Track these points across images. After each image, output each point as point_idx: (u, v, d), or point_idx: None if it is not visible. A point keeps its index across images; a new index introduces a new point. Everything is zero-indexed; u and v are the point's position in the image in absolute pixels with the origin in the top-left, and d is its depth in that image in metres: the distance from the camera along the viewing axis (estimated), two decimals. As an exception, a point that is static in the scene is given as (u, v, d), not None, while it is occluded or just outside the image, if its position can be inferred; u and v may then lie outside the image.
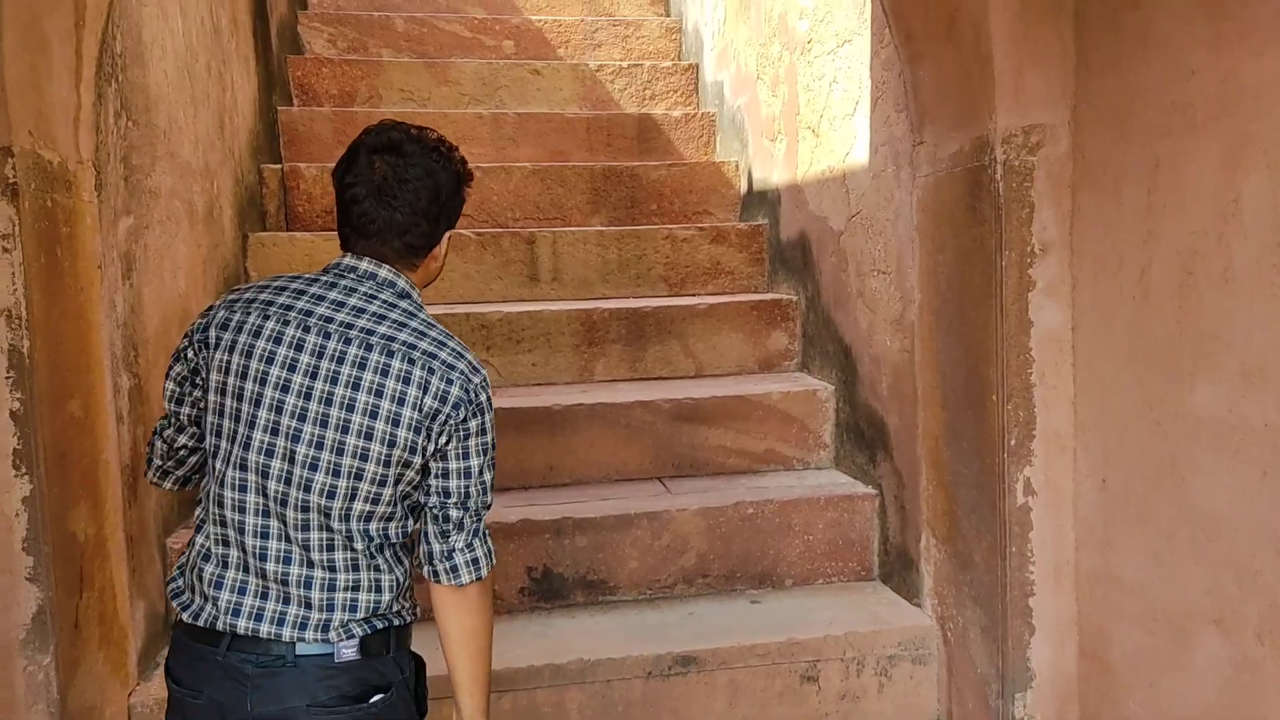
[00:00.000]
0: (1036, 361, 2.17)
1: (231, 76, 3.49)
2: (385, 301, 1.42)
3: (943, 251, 2.38)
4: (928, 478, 2.53)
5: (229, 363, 1.40)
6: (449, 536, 1.42)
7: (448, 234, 1.50)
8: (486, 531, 1.46)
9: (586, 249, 3.64)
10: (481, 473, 1.42)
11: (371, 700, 1.41)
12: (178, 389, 1.50)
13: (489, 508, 1.46)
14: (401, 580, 1.46)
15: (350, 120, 4.21)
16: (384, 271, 1.44)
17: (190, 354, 1.46)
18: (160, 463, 1.56)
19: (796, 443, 3.08)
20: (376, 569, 1.42)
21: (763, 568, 2.75)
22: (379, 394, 1.36)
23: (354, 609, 1.40)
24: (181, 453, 1.55)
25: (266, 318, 1.40)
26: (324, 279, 1.44)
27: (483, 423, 1.41)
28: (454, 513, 1.42)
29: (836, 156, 3.02)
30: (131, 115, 2.47)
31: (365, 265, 1.44)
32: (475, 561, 1.43)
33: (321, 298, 1.41)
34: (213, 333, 1.42)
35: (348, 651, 1.39)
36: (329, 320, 1.39)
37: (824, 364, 3.20)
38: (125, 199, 2.41)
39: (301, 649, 1.38)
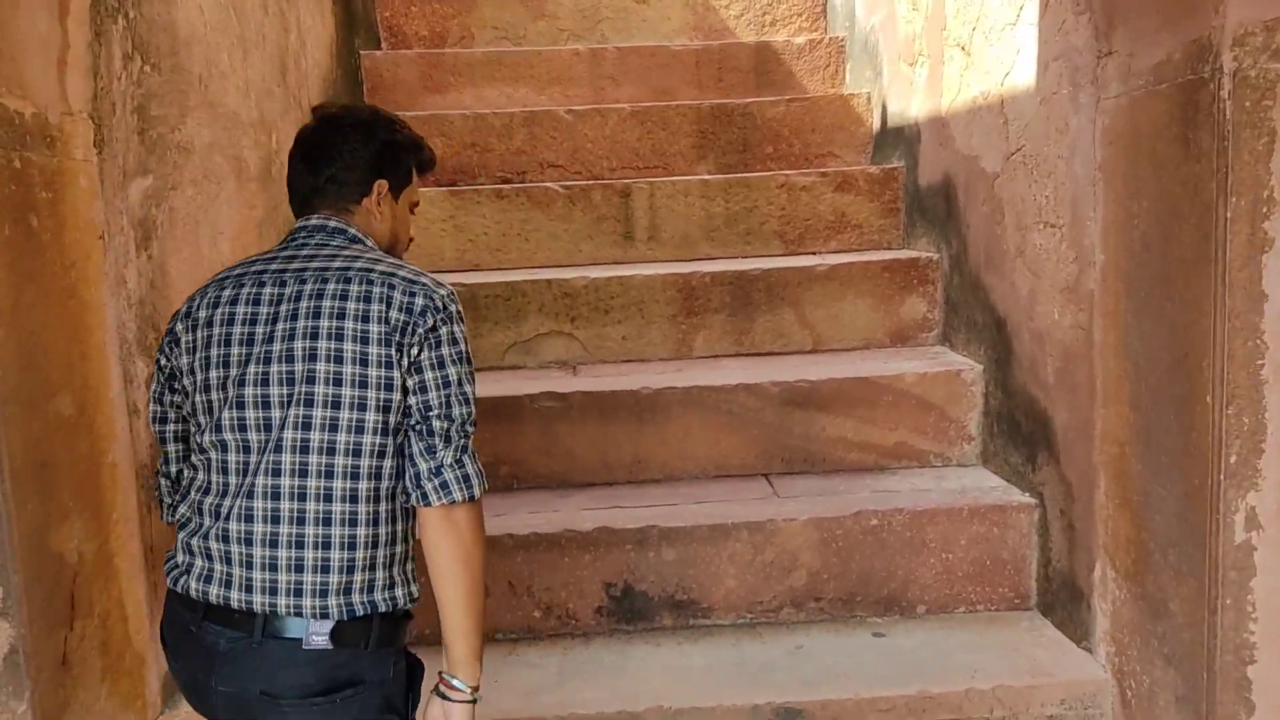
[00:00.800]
0: (1270, 350, 1.58)
1: (298, 15, 3.15)
2: (338, 246, 1.45)
3: (1138, 198, 1.78)
4: (1107, 493, 1.96)
5: (196, 340, 1.42)
6: (435, 452, 1.35)
7: (382, 181, 1.51)
8: (475, 451, 1.38)
9: (689, 201, 3.15)
10: (461, 383, 1.37)
11: (330, 696, 1.33)
12: (160, 408, 1.50)
13: (474, 424, 1.39)
14: (387, 539, 1.37)
15: (437, 63, 3.83)
16: (332, 222, 1.48)
17: (164, 361, 1.46)
18: (172, 501, 1.52)
19: (934, 435, 2.53)
20: (353, 522, 1.33)
21: (889, 591, 2.25)
22: (342, 316, 1.35)
23: (325, 570, 1.32)
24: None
25: (223, 289, 1.43)
26: (281, 247, 1.48)
27: (453, 331, 1.38)
28: (437, 424, 1.35)
29: (993, 78, 2.41)
30: (150, 58, 2.13)
31: (314, 220, 1.49)
32: (466, 479, 1.35)
33: (275, 258, 1.45)
34: (179, 327, 1.45)
35: (318, 638, 1.32)
36: (284, 270, 1.42)
37: (970, 338, 2.63)
38: (141, 156, 2.08)
39: (272, 627, 1.32)
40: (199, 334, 1.41)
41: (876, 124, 3.43)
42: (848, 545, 2.23)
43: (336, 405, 1.33)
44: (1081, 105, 1.97)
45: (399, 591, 1.38)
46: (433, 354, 1.35)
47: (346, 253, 1.42)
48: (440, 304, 1.36)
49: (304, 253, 1.43)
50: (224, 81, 2.50)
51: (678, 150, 3.49)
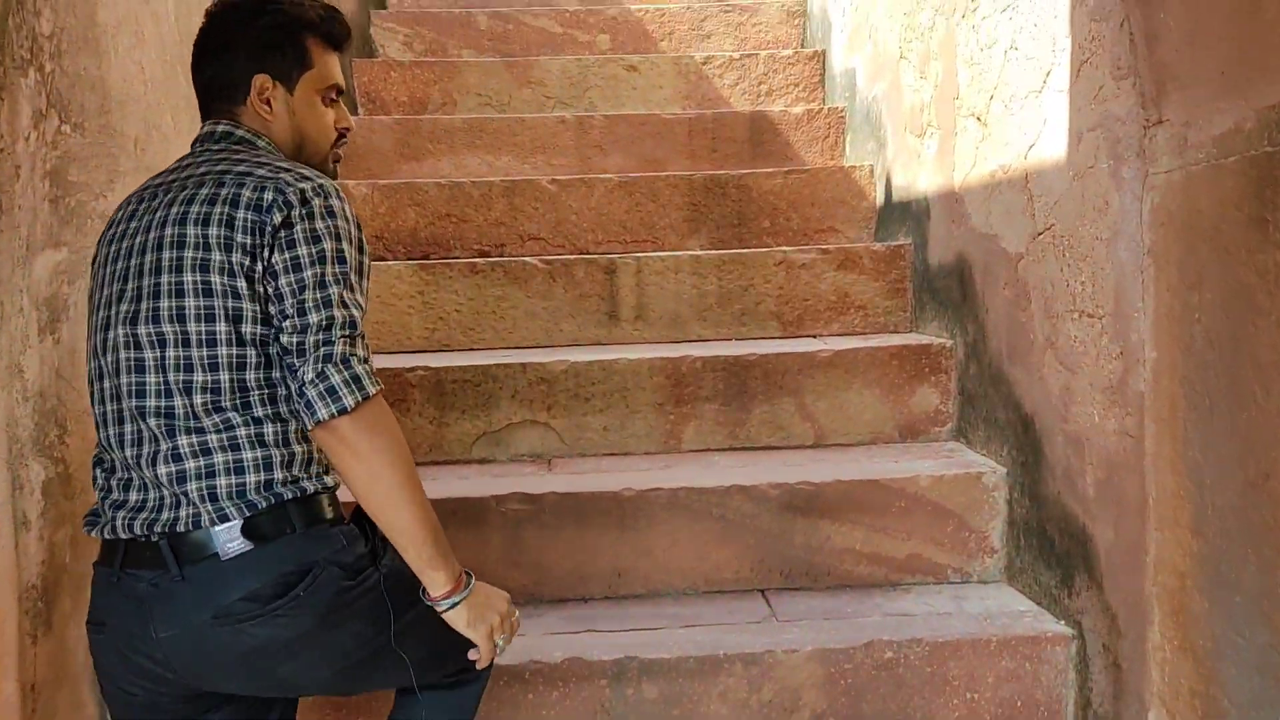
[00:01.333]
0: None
1: (260, 77, 2.93)
2: (221, 152, 1.36)
3: (1199, 288, 1.53)
4: (1164, 632, 1.67)
5: (95, 269, 1.41)
6: (295, 370, 1.23)
7: (261, 77, 1.38)
8: (353, 355, 1.23)
9: (679, 279, 2.90)
10: (323, 285, 1.24)
11: (291, 594, 1.24)
12: None
13: (352, 329, 1.24)
14: (276, 440, 1.27)
15: (415, 130, 3.62)
16: (220, 126, 1.40)
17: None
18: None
19: (953, 546, 2.24)
20: (229, 427, 1.26)
21: (907, 735, 1.93)
22: (183, 221, 1.28)
23: (210, 475, 1.25)
24: None
25: (124, 208, 1.39)
26: (177, 161, 1.42)
27: (313, 228, 1.25)
28: (288, 338, 1.24)
29: (1014, 151, 2.18)
30: (72, 117, 1.88)
31: (205, 127, 1.42)
32: (331, 391, 1.21)
33: (169, 171, 1.40)
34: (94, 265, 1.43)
35: (232, 544, 1.24)
36: (163, 184, 1.37)
37: (991, 435, 2.35)
38: (53, 227, 1.82)
39: (182, 552, 1.24)
40: (99, 253, 1.40)
41: (880, 198, 3.21)
42: (858, 682, 1.92)
43: (182, 319, 1.26)
44: (1125, 181, 1.73)
45: (306, 484, 1.29)
46: (284, 255, 1.25)
47: (223, 155, 1.34)
48: (295, 198, 1.25)
49: (187, 162, 1.38)
50: (165, 145, 2.25)
51: (668, 224, 3.26)
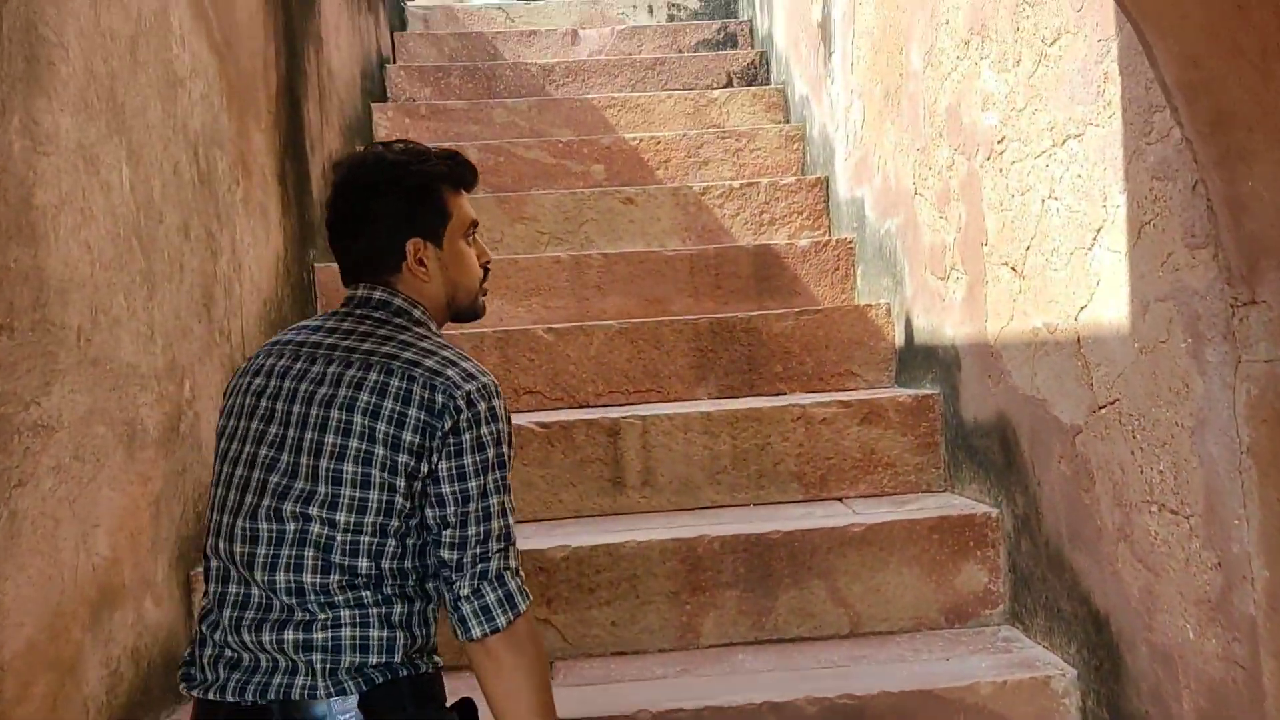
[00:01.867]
0: None
1: (233, 235, 2.73)
2: (379, 321, 1.39)
3: (1327, 508, 1.28)
4: None
5: (232, 406, 1.41)
6: (452, 583, 1.28)
7: (414, 241, 1.40)
8: (506, 570, 1.28)
9: (689, 439, 2.65)
10: (484, 495, 1.28)
11: None
12: None
13: (506, 540, 1.29)
14: (402, 621, 1.28)
15: (401, 272, 3.42)
16: (377, 293, 1.42)
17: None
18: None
19: (1023, 764, 1.94)
20: (362, 607, 1.26)
21: None
22: (352, 409, 1.29)
23: (336, 650, 1.25)
24: None
25: (269, 357, 1.41)
26: (329, 315, 1.44)
27: (479, 435, 1.28)
28: (448, 550, 1.28)
29: (1062, 310, 1.96)
30: None
31: (361, 291, 1.43)
32: (486, 610, 1.26)
33: (321, 328, 1.42)
34: (227, 401, 1.44)
35: (345, 717, 1.25)
36: (323, 346, 1.37)
37: (1054, 627, 2.07)
38: (-28, 446, 1.58)
39: (287, 714, 1.25)
40: (235, 401, 1.40)
41: (900, 339, 2.99)
42: None
43: (335, 506, 1.28)
44: (1209, 365, 1.50)
45: (420, 662, 1.31)
46: (451, 463, 1.27)
47: (383, 332, 1.36)
48: (463, 401, 1.27)
49: (345, 326, 1.39)
50: (116, 330, 2.03)
51: (673, 371, 3.03)
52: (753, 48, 5.42)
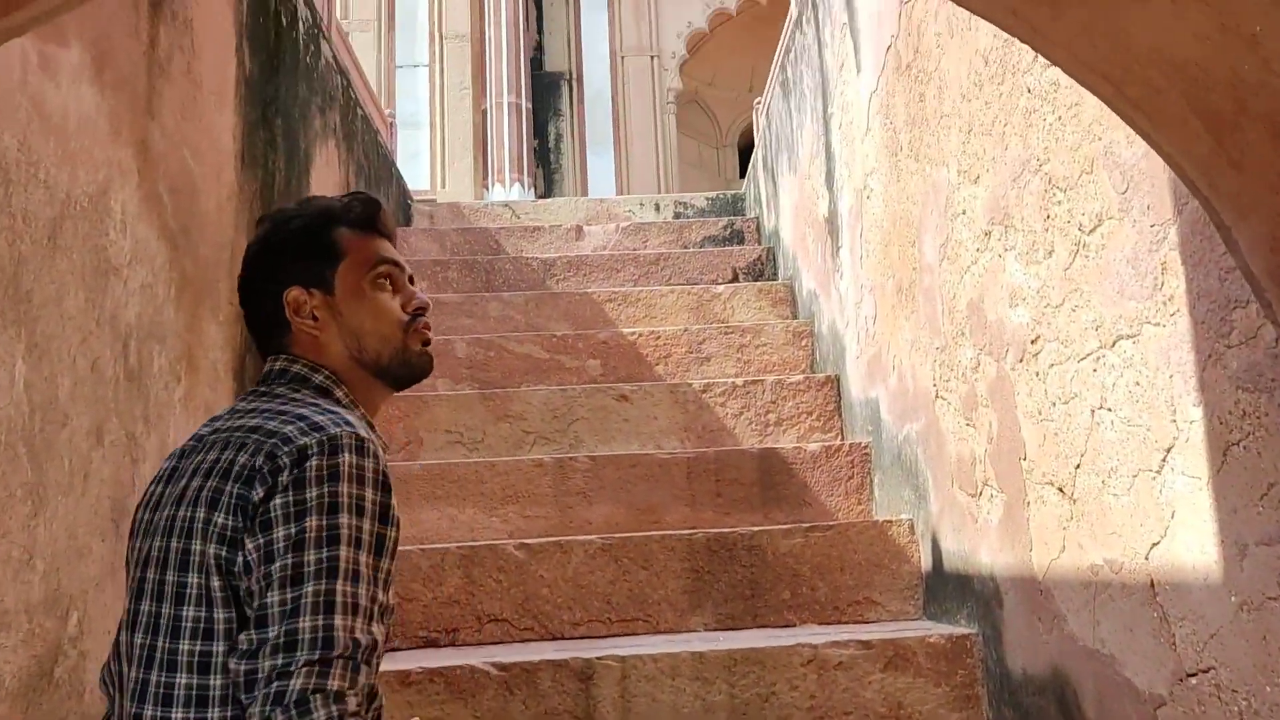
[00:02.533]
0: None
1: (163, 438, 2.43)
2: (279, 393, 1.12)
3: None
4: None
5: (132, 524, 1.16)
6: (254, 686, 0.91)
7: (292, 291, 1.15)
8: (315, 694, 0.88)
9: (677, 687, 2.21)
10: (296, 582, 0.92)
11: None
12: None
13: (325, 648, 0.90)
14: None
15: (368, 475, 3.09)
16: (278, 363, 1.17)
17: None
18: None
19: None
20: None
21: None
22: (192, 502, 1.02)
23: None
24: None
25: (171, 459, 1.14)
26: (247, 393, 1.18)
27: (299, 500, 0.95)
28: (237, 661, 0.92)
29: (1127, 546, 1.58)
30: None
31: (265, 365, 1.18)
32: None
33: (229, 412, 1.15)
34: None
35: None
36: (214, 433, 1.09)
37: None
38: None
39: None
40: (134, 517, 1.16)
41: (926, 562, 2.59)
42: None
43: (159, 630, 0.99)
44: (1351, 639, 1.11)
45: None
46: (259, 540, 0.95)
47: (268, 405, 1.09)
48: (289, 459, 0.97)
49: (246, 405, 1.13)
50: (-20, 553, 1.69)
51: (663, 597, 2.62)
52: (759, 244, 5.30)
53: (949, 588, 2.43)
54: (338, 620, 0.92)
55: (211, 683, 0.95)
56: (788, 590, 2.60)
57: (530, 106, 10.79)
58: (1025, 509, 1.98)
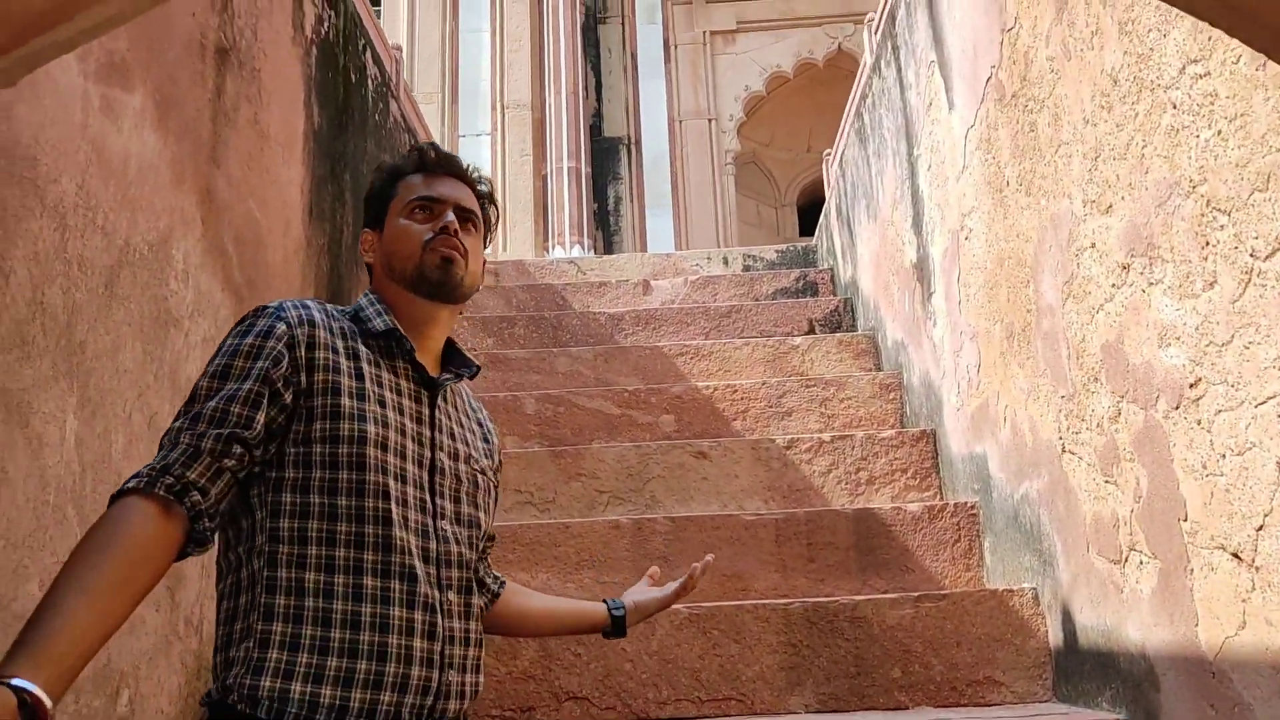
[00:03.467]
0: None
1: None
2: None
3: None
4: None
5: None
6: None
7: (361, 236, 1.42)
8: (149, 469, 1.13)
9: (782, 779, 1.97)
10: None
11: None
12: None
13: (168, 437, 1.17)
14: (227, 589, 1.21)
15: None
16: None
17: None
18: None
19: None
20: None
21: None
22: None
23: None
24: None
25: None
26: None
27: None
28: None
29: (1344, 627, 1.32)
30: None
31: None
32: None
33: None
34: None
35: None
36: None
37: None
38: None
39: None
40: None
41: (1056, 637, 2.31)
42: None
43: None
44: None
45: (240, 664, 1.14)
46: None
47: None
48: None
49: None
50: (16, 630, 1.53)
51: (758, 674, 2.38)
52: (835, 295, 5.10)
53: (1086, 666, 2.15)
54: (178, 425, 1.19)
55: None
56: (898, 668, 2.33)
57: (590, 171, 10.82)
58: (1188, 577, 1.71)
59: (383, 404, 1.24)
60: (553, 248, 9.95)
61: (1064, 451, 2.19)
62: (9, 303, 1.54)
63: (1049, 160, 2.25)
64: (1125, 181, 1.89)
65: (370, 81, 3.84)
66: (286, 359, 1.21)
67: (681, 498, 3.28)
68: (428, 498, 1.25)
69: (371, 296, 1.36)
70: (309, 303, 1.29)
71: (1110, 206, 1.95)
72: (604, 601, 1.52)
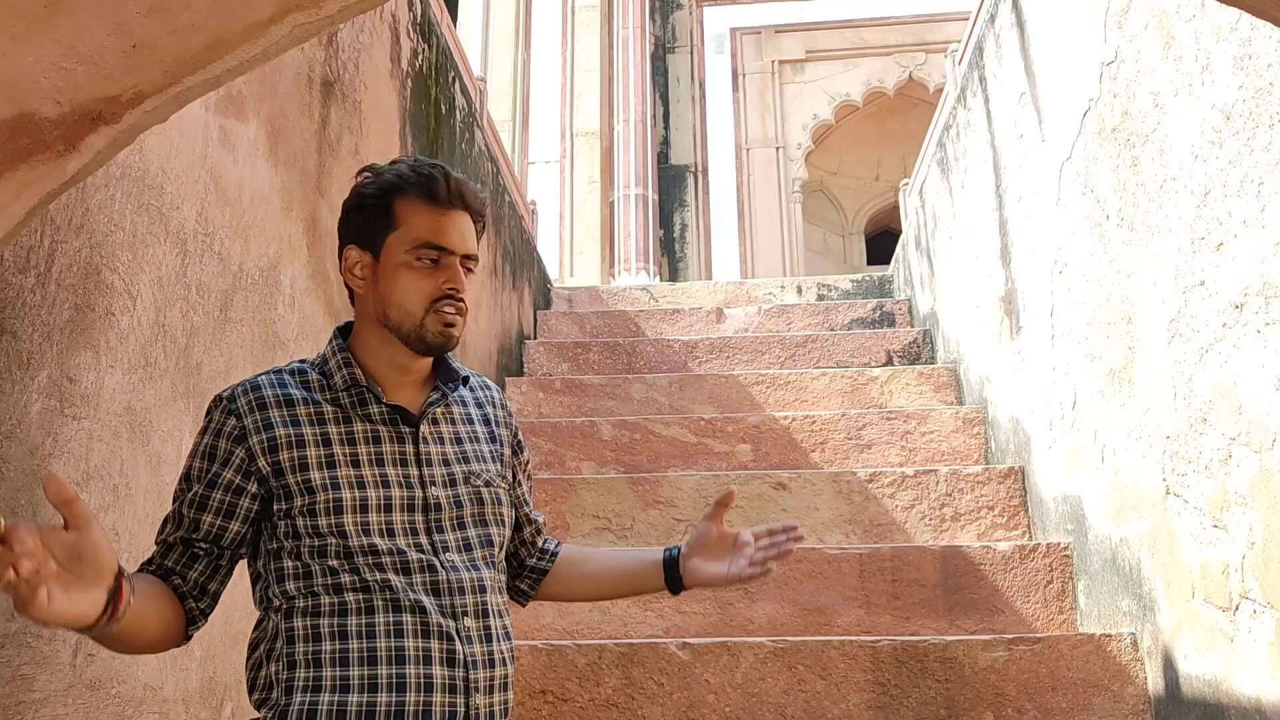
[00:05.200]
0: None
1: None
2: None
3: None
4: None
5: None
6: None
7: (348, 248, 1.31)
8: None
9: (874, 822, 1.93)
10: None
11: None
12: None
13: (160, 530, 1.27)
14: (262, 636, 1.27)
15: (516, 563, 2.93)
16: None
17: None
18: None
19: None
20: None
21: None
22: None
23: None
24: None
25: None
26: None
27: None
28: None
29: None
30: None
31: None
32: None
33: None
34: None
35: None
36: None
37: None
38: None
39: None
40: None
41: (1155, 684, 2.24)
42: None
43: None
44: None
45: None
46: None
47: None
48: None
49: None
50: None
51: (844, 712, 2.34)
52: (912, 326, 5.04)
53: (1190, 717, 2.07)
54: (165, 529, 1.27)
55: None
56: (990, 712, 2.28)
57: (656, 198, 10.89)
58: (1310, 631, 1.65)
59: (355, 464, 1.24)
60: (619, 274, 10.02)
61: (1168, 494, 2.13)
62: (135, 325, 1.61)
63: (1153, 196, 2.20)
64: (1239, 218, 1.84)
65: (458, 112, 3.93)
66: (239, 455, 1.23)
67: (760, 529, 3.25)
68: (424, 539, 1.23)
69: (334, 345, 1.31)
70: (260, 381, 1.28)
71: (1221, 244, 1.90)
72: (664, 551, 1.44)
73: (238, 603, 1.91)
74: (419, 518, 1.24)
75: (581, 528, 3.33)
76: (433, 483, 1.27)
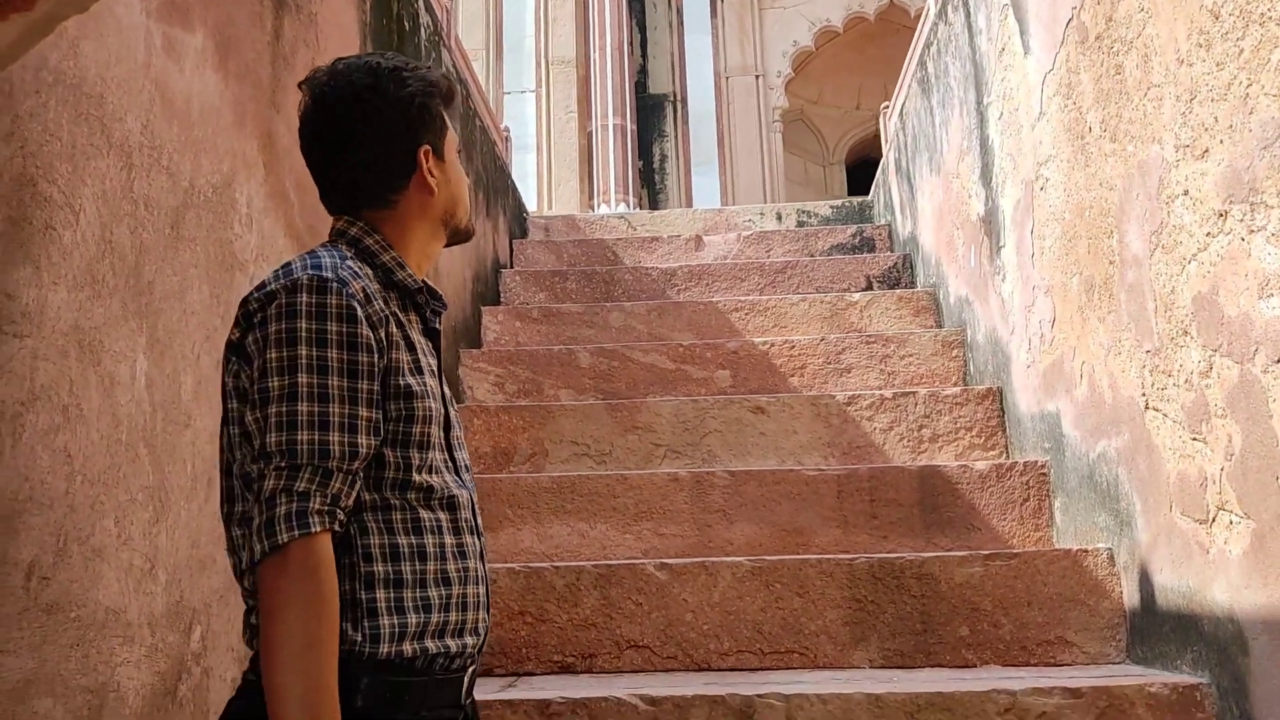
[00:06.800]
0: None
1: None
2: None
3: None
4: None
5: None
6: (234, 502, 1.12)
7: (424, 149, 1.24)
8: (280, 493, 1.03)
9: (850, 734, 1.94)
10: (273, 401, 1.05)
11: None
12: None
13: (289, 458, 1.04)
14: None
15: (493, 491, 2.92)
16: (339, 224, 1.24)
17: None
18: None
19: None
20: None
21: None
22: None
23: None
24: None
25: None
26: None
27: (269, 334, 1.07)
28: (238, 467, 1.12)
29: None
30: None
31: (339, 225, 1.25)
32: (257, 531, 1.03)
33: None
34: None
35: None
36: None
37: None
38: None
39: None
40: None
41: (1131, 598, 2.25)
42: None
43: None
44: None
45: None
46: (247, 369, 1.10)
47: None
48: (257, 304, 1.10)
49: None
50: (95, 564, 1.54)
51: (821, 628, 2.35)
52: (892, 251, 4.99)
53: (1164, 629, 2.09)
54: (301, 435, 1.04)
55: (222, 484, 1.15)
56: (966, 626, 2.29)
57: (635, 128, 10.69)
58: (1285, 538, 1.64)
59: (430, 372, 1.18)
60: (598, 205, 9.88)
61: (1147, 408, 2.11)
62: (80, 240, 1.53)
63: (1137, 104, 2.14)
64: (1225, 124, 1.78)
65: (423, 30, 3.79)
66: (374, 344, 1.11)
67: (739, 453, 3.24)
68: (448, 455, 1.20)
69: (382, 242, 1.22)
70: (345, 274, 1.12)
71: (1206, 151, 1.85)
72: None
73: (204, 526, 1.87)
74: (451, 435, 1.22)
75: (560, 454, 3.30)
76: (449, 402, 1.24)
